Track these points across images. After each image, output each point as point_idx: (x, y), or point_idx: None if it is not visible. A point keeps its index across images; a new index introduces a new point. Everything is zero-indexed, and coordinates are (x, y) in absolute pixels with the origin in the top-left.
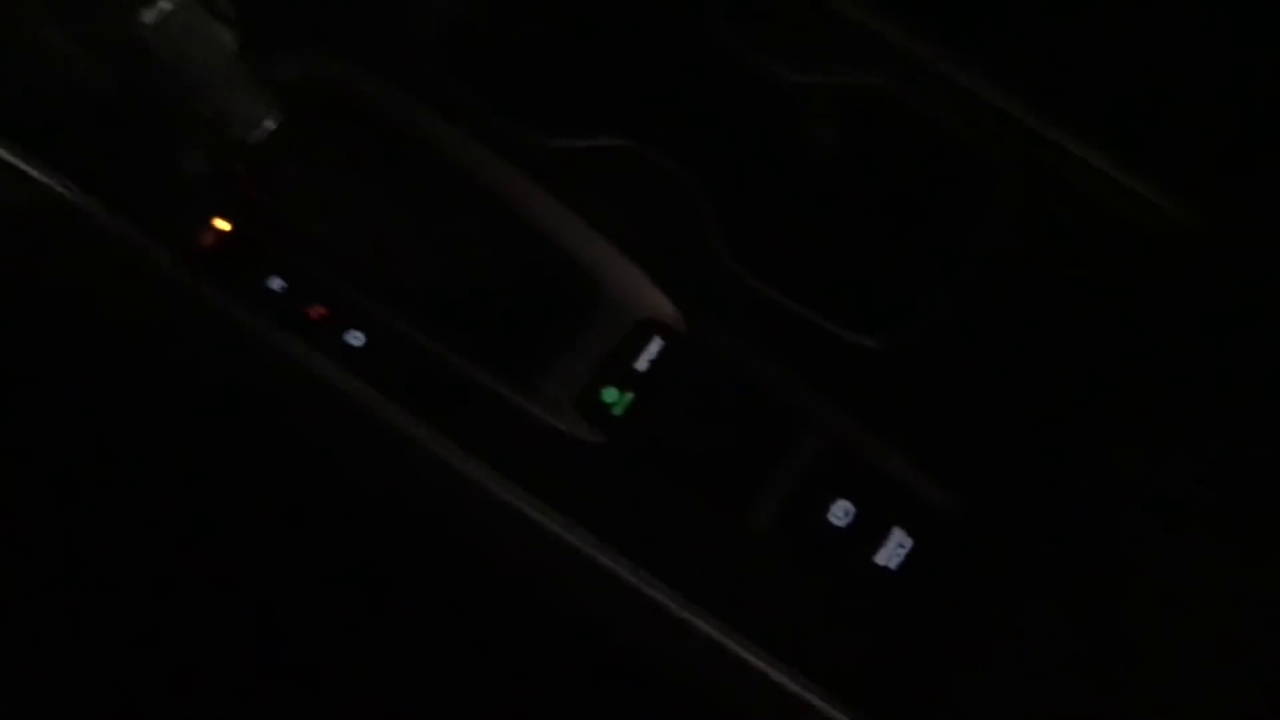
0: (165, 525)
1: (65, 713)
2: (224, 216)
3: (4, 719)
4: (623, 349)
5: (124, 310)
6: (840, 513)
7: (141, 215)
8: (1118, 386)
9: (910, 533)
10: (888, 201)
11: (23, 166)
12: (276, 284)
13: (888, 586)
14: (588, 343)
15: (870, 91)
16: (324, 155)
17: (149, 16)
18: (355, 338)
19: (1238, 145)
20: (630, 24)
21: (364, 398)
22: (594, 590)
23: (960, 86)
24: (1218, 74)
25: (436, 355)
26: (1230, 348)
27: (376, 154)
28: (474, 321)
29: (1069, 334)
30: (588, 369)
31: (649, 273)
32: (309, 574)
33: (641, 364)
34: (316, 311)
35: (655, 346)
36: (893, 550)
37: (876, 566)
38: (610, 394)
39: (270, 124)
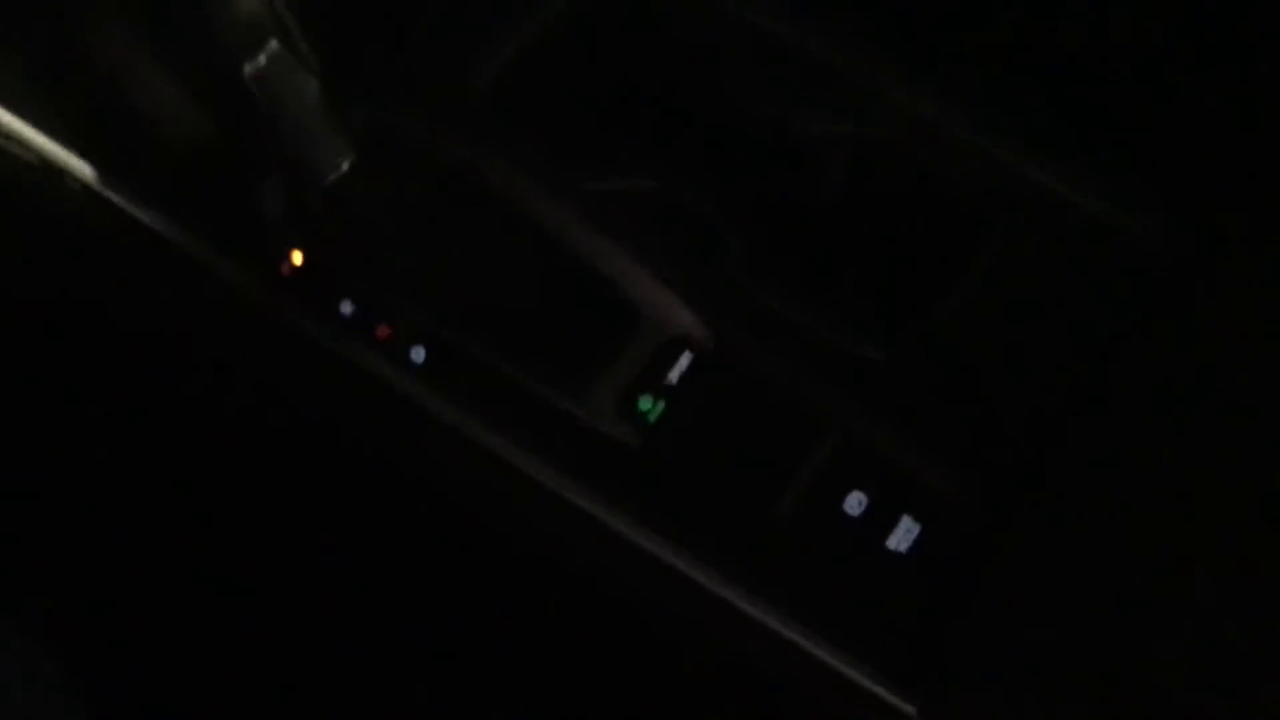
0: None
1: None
2: (301, 249)
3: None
4: (656, 363)
5: (210, 334)
6: (854, 503)
7: (229, 249)
8: (1106, 390)
9: (918, 519)
10: (890, 233)
11: (126, 206)
12: (347, 308)
13: (898, 567)
14: (625, 357)
15: (873, 140)
16: (390, 193)
17: (250, 68)
18: (418, 353)
19: (1227, 181)
20: (661, 81)
21: (426, 405)
22: (633, 570)
23: (953, 134)
24: (1205, 110)
25: (490, 368)
26: (1214, 366)
27: (437, 193)
28: (524, 339)
29: (1052, 346)
30: (625, 380)
31: (679, 296)
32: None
33: (673, 376)
34: (383, 331)
35: (685, 360)
36: (902, 535)
37: (888, 550)
38: (645, 402)
39: (344, 165)
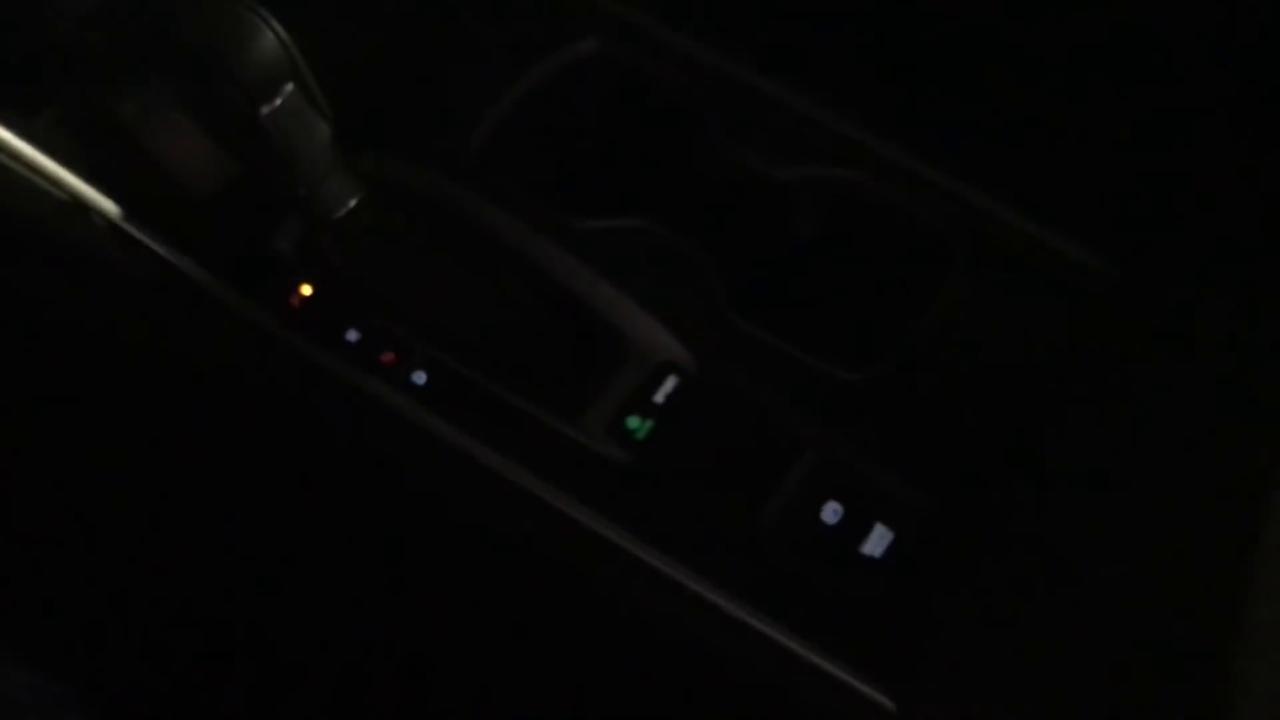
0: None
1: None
2: (310, 282)
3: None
4: (644, 385)
5: (225, 361)
6: (831, 512)
7: (244, 281)
8: (1060, 409)
9: (890, 526)
10: (861, 266)
11: (148, 242)
12: (353, 335)
13: (873, 571)
14: (615, 380)
15: (843, 181)
16: (394, 231)
17: (266, 110)
18: (419, 378)
19: (1154, 208)
20: (645, 131)
21: (427, 426)
22: (624, 578)
23: (916, 174)
24: (1138, 153)
25: (488, 391)
26: (1159, 387)
27: (438, 230)
28: (520, 364)
29: (1008, 365)
30: (616, 402)
31: (666, 324)
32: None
33: (660, 397)
34: (387, 357)
35: (671, 383)
36: (876, 541)
37: (863, 555)
38: (634, 421)
39: (351, 203)
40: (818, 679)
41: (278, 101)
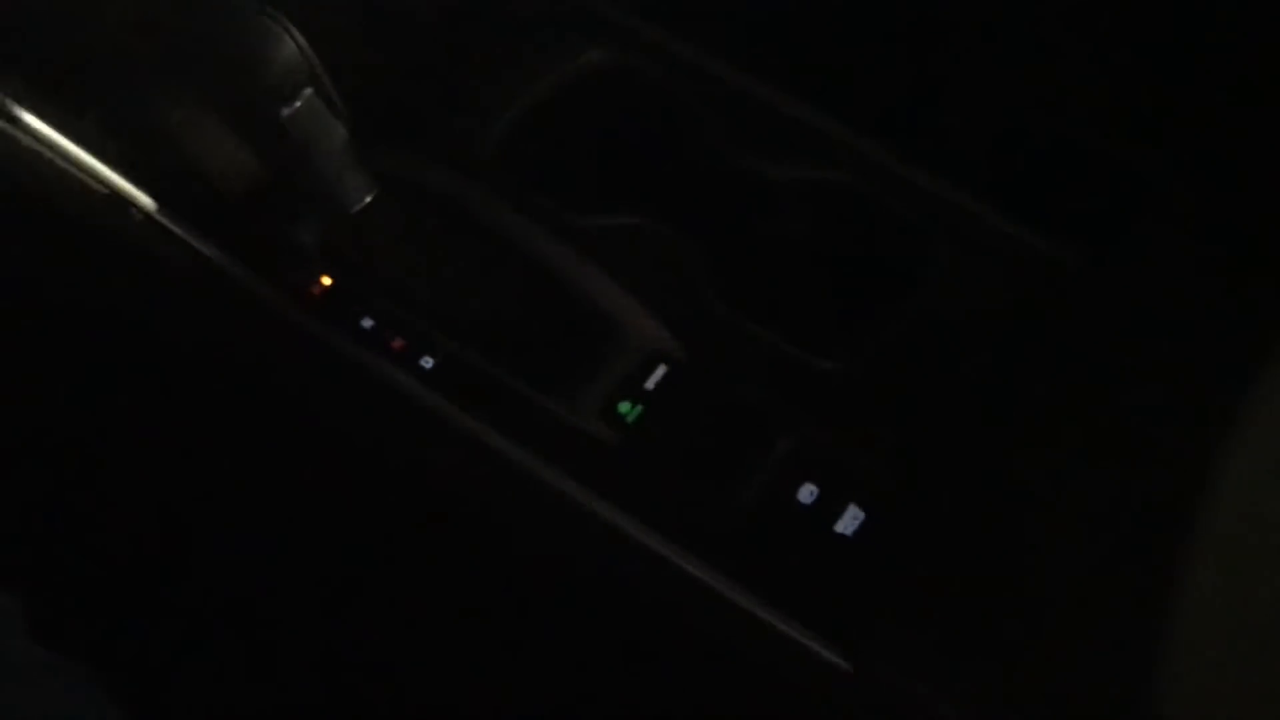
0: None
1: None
2: (328, 273)
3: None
4: (635, 372)
5: (249, 346)
6: (807, 493)
7: (268, 272)
8: (1023, 398)
9: (862, 507)
10: (843, 261)
11: (181, 234)
12: (367, 323)
13: (845, 548)
14: (609, 367)
15: (828, 180)
16: (406, 225)
17: (287, 110)
18: (427, 362)
19: (1116, 207)
20: (644, 134)
21: (434, 407)
22: (614, 552)
23: (899, 175)
24: (1100, 149)
25: (491, 375)
26: (1115, 372)
27: (446, 225)
28: (521, 351)
29: (984, 358)
30: (609, 387)
31: (658, 316)
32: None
33: (650, 384)
34: (398, 343)
35: (661, 370)
36: (849, 521)
37: (836, 534)
38: (625, 406)
39: (367, 199)
40: (781, 643)
41: (297, 104)
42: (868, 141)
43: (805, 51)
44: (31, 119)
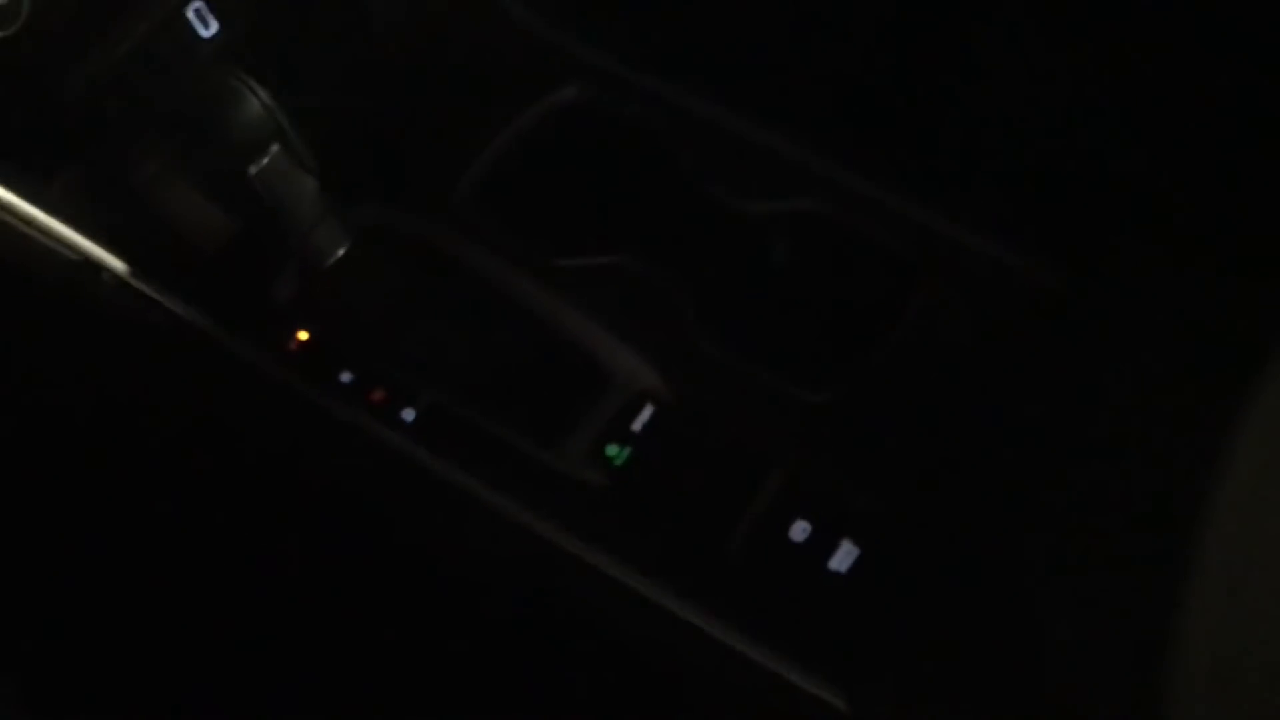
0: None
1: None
2: (305, 328)
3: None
4: (622, 414)
5: (227, 404)
6: (799, 531)
7: (243, 329)
8: (1008, 427)
9: (856, 543)
10: (827, 292)
11: (154, 296)
12: (346, 376)
13: (840, 585)
14: (595, 410)
15: (809, 213)
16: (381, 275)
17: (254, 168)
18: (409, 414)
19: (1097, 225)
20: (621, 172)
21: (417, 459)
22: (604, 596)
23: (878, 202)
24: (1081, 165)
25: (473, 424)
26: (1108, 396)
27: (424, 274)
28: (504, 397)
29: (973, 385)
30: (595, 430)
31: (643, 356)
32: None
33: (637, 426)
34: (378, 395)
35: (648, 412)
36: (843, 557)
37: (830, 571)
38: (613, 449)
39: (340, 252)
40: (777, 685)
41: (265, 161)
42: (847, 171)
43: (781, 82)
44: None
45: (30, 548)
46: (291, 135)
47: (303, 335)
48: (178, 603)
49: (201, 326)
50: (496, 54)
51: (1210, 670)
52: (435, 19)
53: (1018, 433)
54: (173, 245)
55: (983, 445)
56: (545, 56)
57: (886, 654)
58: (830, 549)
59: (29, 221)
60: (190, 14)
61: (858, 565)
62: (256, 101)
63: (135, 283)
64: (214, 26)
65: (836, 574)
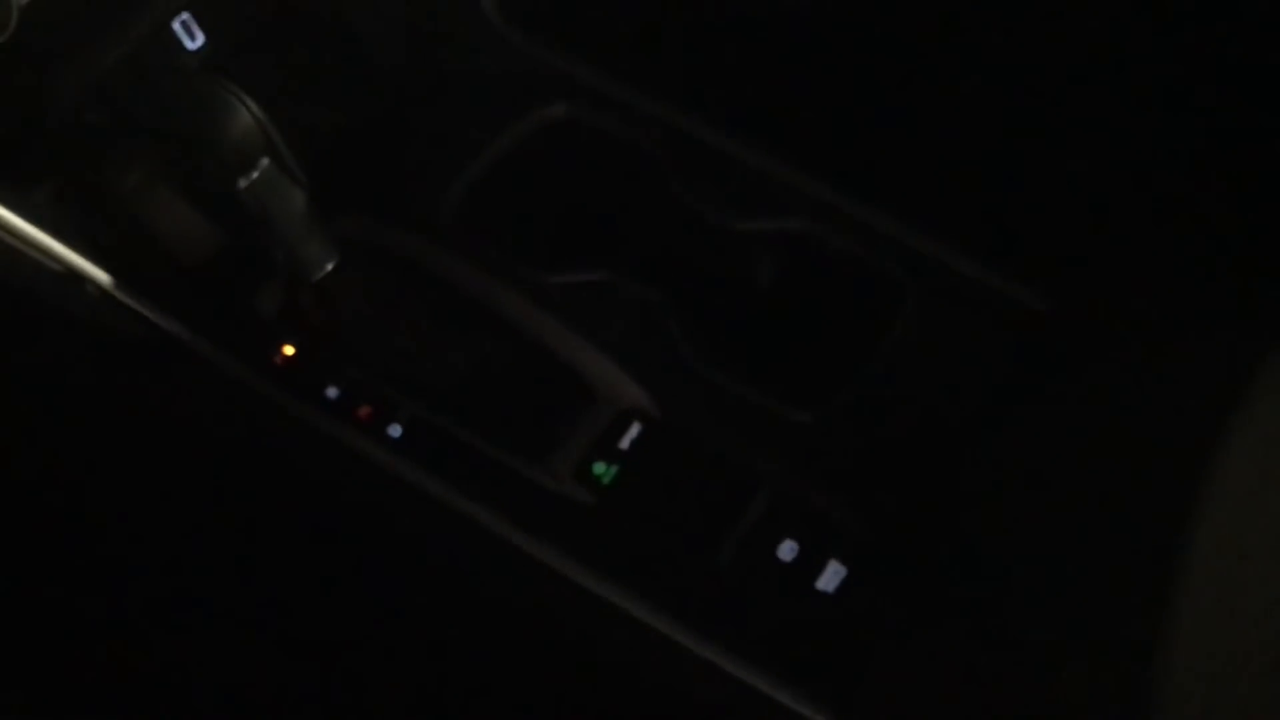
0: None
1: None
2: (291, 342)
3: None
4: (609, 432)
5: (213, 418)
6: (787, 550)
7: (230, 343)
8: (994, 446)
9: (843, 562)
10: (814, 312)
11: (138, 308)
12: (333, 392)
13: (826, 604)
14: (582, 428)
15: (796, 233)
16: (369, 290)
17: (244, 181)
18: (395, 430)
19: (1079, 246)
20: (610, 189)
21: (403, 475)
22: (591, 614)
23: (866, 222)
24: (1063, 191)
25: (461, 441)
26: (1096, 412)
27: (411, 289)
28: (492, 414)
29: (960, 402)
30: (582, 448)
31: (629, 373)
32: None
33: (624, 443)
34: (364, 411)
35: (635, 429)
36: (829, 577)
37: (817, 590)
38: (600, 467)
39: (329, 266)
40: (765, 704)
41: (254, 174)
42: (833, 191)
43: (768, 102)
44: None
45: (21, 553)
46: (282, 149)
47: (289, 349)
48: (176, 605)
49: (186, 339)
50: (486, 70)
51: (1201, 676)
52: (425, 35)
53: (1004, 450)
54: (158, 257)
55: (969, 464)
56: (534, 73)
57: (873, 674)
58: (818, 569)
59: (13, 232)
60: (177, 26)
61: (845, 585)
62: (247, 114)
63: (119, 294)
64: (200, 39)
65: (824, 594)
